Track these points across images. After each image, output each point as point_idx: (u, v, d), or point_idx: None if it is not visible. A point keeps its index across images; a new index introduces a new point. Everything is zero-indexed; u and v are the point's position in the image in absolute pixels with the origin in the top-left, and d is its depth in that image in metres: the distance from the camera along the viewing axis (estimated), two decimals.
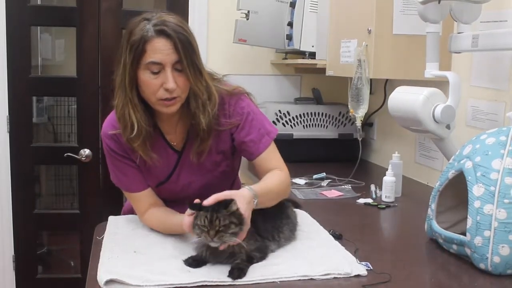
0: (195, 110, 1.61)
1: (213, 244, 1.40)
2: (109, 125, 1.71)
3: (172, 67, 1.54)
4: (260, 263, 1.47)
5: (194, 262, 1.46)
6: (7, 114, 3.23)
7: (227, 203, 1.40)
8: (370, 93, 2.42)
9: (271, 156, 1.72)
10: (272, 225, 1.58)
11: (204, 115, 1.60)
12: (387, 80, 2.86)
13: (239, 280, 1.37)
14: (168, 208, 1.75)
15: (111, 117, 1.71)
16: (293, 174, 2.52)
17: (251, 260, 1.46)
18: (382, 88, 2.91)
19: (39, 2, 3.72)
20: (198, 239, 1.46)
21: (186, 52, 1.53)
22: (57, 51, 4.13)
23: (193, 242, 1.54)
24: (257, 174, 1.76)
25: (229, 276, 1.39)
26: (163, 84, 1.54)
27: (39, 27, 3.75)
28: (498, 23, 1.98)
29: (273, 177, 1.66)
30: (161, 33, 1.52)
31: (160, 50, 1.52)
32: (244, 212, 1.41)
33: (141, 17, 1.57)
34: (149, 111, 1.64)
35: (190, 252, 1.53)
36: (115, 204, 3.13)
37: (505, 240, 1.40)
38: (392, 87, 2.31)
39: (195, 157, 1.69)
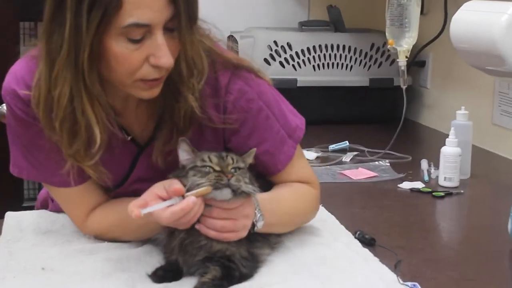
0: (179, 87, 1.01)
1: (225, 192, 0.96)
2: (19, 80, 1.04)
3: (163, 28, 0.97)
4: (249, 283, 0.98)
5: (168, 274, 0.98)
6: None
7: None
8: (422, 13, 1.82)
9: (296, 167, 1.17)
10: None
11: (194, 95, 1.03)
12: None
13: None
14: (120, 198, 1.12)
15: (21, 68, 1.05)
16: None
17: (230, 273, 0.96)
18: (442, 4, 2.06)
19: None
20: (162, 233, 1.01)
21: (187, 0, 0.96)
22: None
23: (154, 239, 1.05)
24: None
25: None
26: (148, 58, 0.96)
27: None
28: None
29: (291, 194, 1.13)
30: None
31: (147, 3, 0.94)
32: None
33: None
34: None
35: (141, 262, 1.04)
36: (13, 193, 2.45)
37: None
38: (456, 3, 1.73)
39: (160, 158, 1.09)
